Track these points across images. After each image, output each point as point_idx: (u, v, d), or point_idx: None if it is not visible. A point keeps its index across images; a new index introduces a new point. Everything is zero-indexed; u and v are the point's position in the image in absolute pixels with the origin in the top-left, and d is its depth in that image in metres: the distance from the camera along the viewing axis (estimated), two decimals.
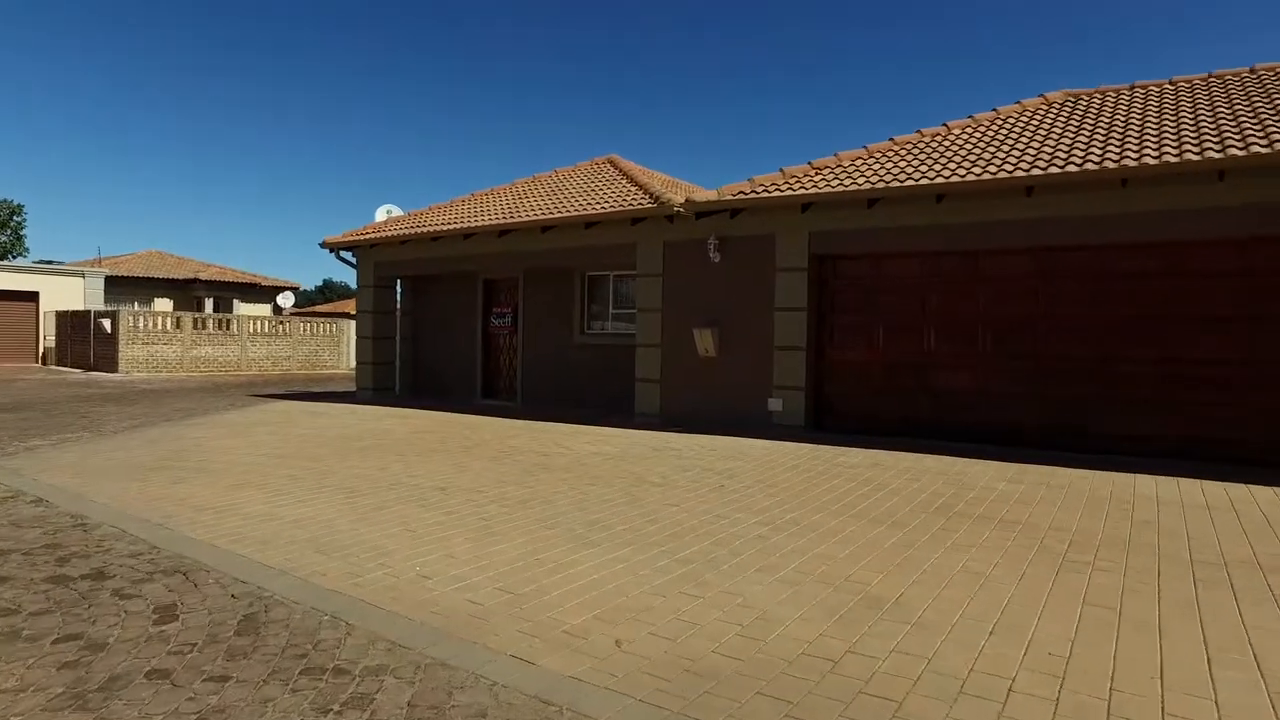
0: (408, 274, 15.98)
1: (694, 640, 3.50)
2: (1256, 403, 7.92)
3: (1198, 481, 7.06)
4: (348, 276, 55.96)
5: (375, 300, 16.05)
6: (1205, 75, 10.82)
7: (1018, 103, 11.65)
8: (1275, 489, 6.77)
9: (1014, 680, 3.09)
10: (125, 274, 31.51)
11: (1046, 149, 9.08)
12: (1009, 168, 8.77)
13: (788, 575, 4.40)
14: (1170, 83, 10.88)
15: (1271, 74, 10.28)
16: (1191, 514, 5.86)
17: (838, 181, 9.92)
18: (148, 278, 32.25)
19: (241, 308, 35.27)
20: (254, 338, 28.32)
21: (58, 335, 27.63)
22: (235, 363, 27.61)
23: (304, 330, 30.39)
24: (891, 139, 11.22)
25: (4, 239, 44.22)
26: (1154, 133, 8.77)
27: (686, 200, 10.66)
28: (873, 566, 4.57)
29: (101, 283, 28.89)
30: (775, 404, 10.44)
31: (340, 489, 6.62)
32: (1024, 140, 9.76)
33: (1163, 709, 2.87)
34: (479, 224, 13.32)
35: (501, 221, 13.00)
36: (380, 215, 17.54)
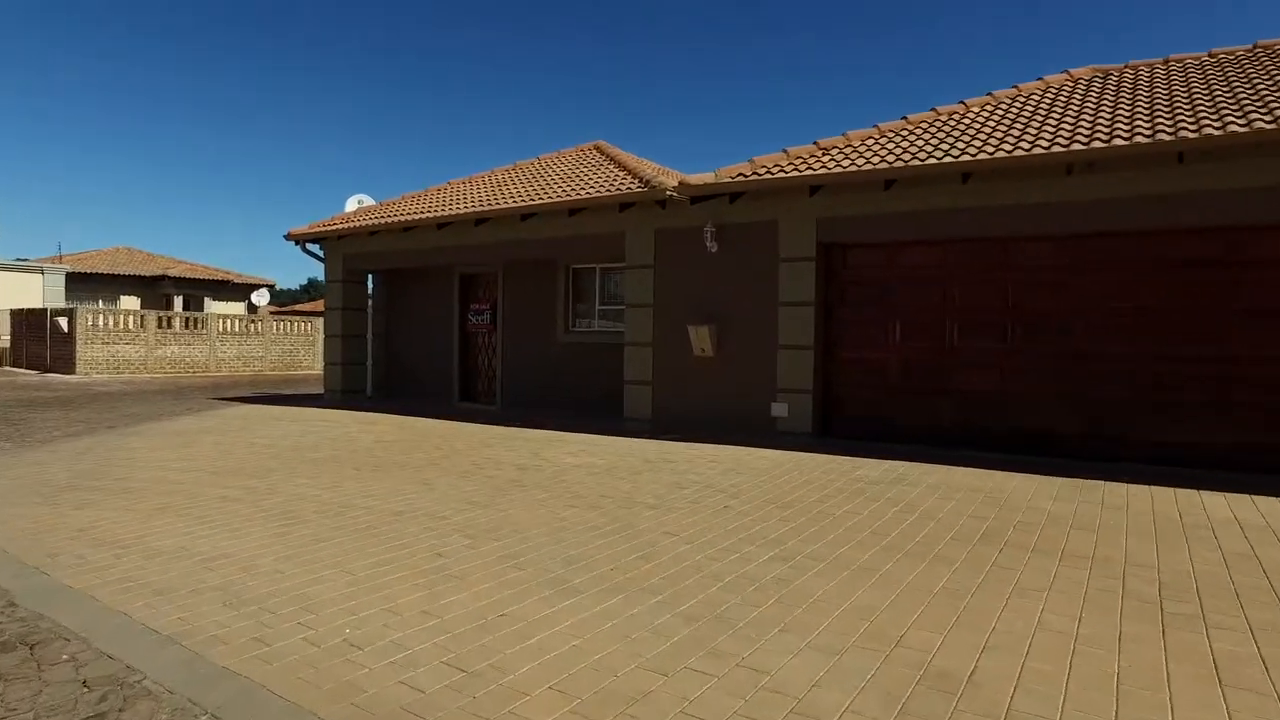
0: (379, 268, 14.96)
1: None
2: None
3: (1276, 500, 6.18)
4: None
5: (345, 296, 15.02)
6: (1249, 47, 9.96)
7: (1040, 79, 10.77)
8: None
9: None
10: (89, 270, 30.28)
11: (1083, 125, 8.19)
12: (1044, 143, 7.86)
13: (823, 638, 3.46)
14: (1210, 55, 10.01)
15: None
16: None
17: (849, 162, 9.00)
18: (113, 274, 31.02)
19: (213, 306, 34.09)
20: (224, 337, 27.19)
21: (12, 335, 26.41)
22: (203, 363, 26.47)
23: (277, 329, 29.26)
24: (905, 117, 10.32)
25: None
26: (1206, 105, 7.89)
27: (680, 183, 9.71)
28: (926, 623, 3.64)
29: (62, 280, 27.68)
30: (780, 408, 9.52)
31: (277, 515, 5.64)
32: (1055, 117, 8.86)
33: None
34: (454, 212, 12.33)
35: (478, 209, 12.02)
36: (351, 206, 16.51)
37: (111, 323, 23.81)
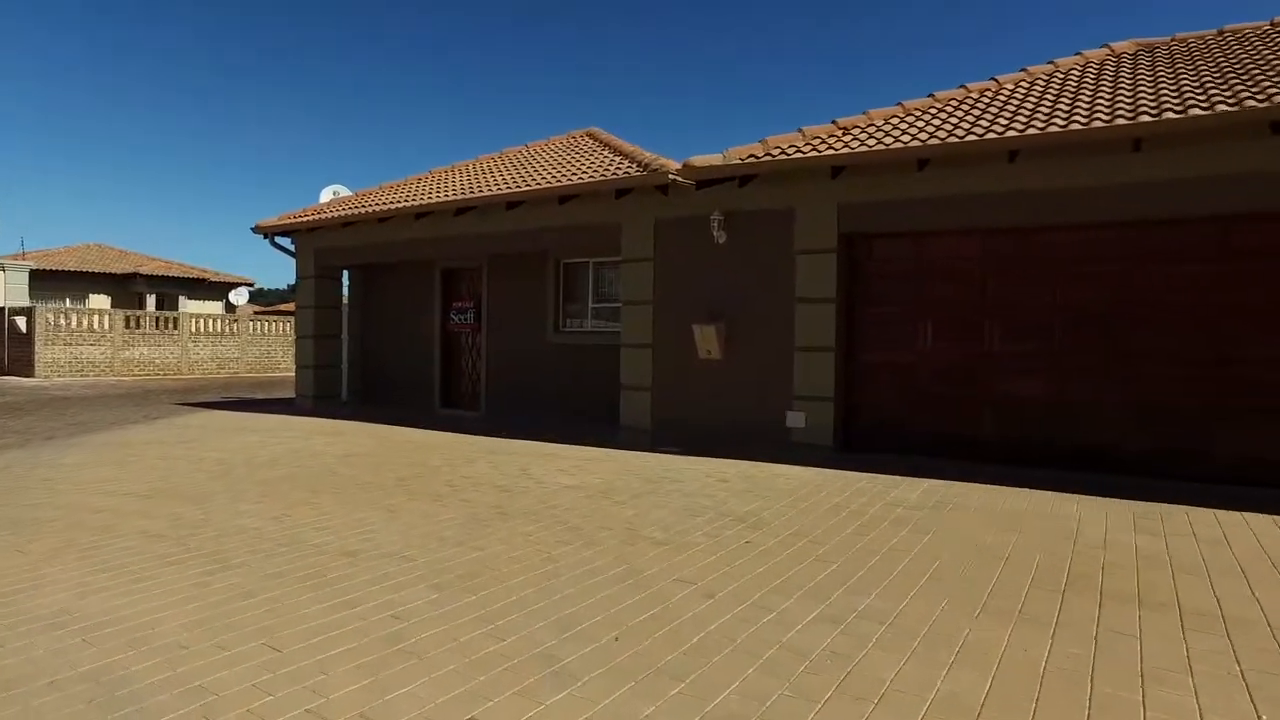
0: (354, 263, 13.95)
1: None
2: None
3: None
4: None
5: (317, 294, 14.00)
6: None
7: (1078, 54, 9.88)
8: None
9: None
10: (56, 268, 29.08)
11: (1144, 98, 7.27)
12: (1103, 117, 6.94)
13: None
14: (1272, 24, 9.12)
15: None
16: None
17: (875, 141, 8.06)
18: (81, 272, 29.81)
19: (189, 305, 32.90)
20: (197, 338, 26.08)
21: None
22: (175, 365, 25.36)
23: (254, 329, 28.17)
24: (932, 94, 9.41)
25: None
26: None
27: (684, 166, 8.75)
28: None
29: (25, 277, 26.49)
30: (796, 418, 8.57)
31: (204, 556, 4.65)
32: (1105, 91, 7.95)
33: None
34: (433, 201, 11.34)
35: (459, 197, 11.03)
36: (325, 197, 15.50)
37: (75, 322, 22.68)
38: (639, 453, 8.69)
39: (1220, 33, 9.38)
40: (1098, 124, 6.78)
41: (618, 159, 10.73)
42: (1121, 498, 6.23)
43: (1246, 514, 5.71)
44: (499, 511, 5.86)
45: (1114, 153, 6.95)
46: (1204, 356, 6.93)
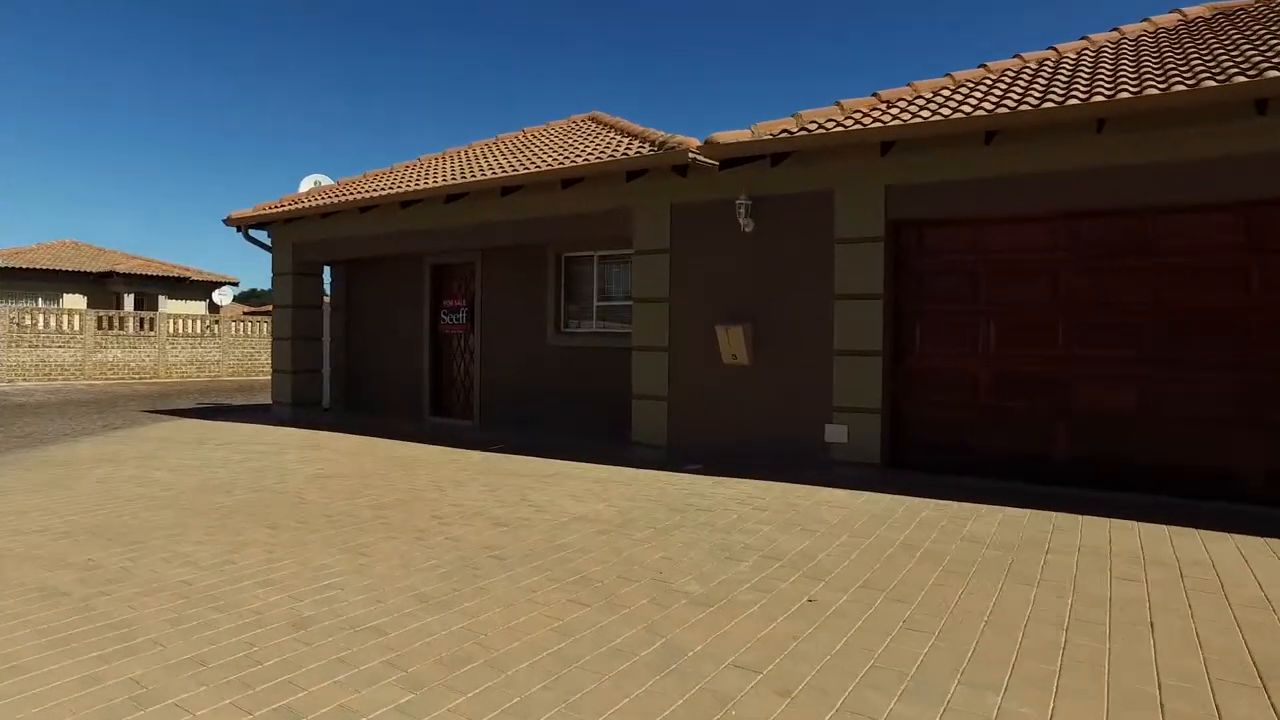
0: (336, 257, 12.88)
1: None
2: None
3: None
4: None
5: (296, 292, 12.94)
6: None
7: (1146, 20, 8.87)
8: None
9: None
10: (27, 266, 27.94)
11: (1251, 57, 6.25)
12: (1214, 77, 5.91)
13: None
14: None
15: None
16: None
17: (930, 113, 7.03)
18: (55, 270, 28.65)
19: (170, 305, 31.78)
20: (175, 339, 25.00)
21: None
22: (151, 368, 24.28)
23: (237, 330, 27.11)
24: (983, 64, 8.39)
25: None
26: None
27: (706, 143, 7.71)
28: None
29: None
30: (837, 432, 7.53)
31: (109, 627, 3.59)
32: (1194, 54, 6.93)
33: None
34: (421, 188, 10.28)
35: (449, 183, 9.98)
36: (306, 187, 14.42)
37: (42, 323, 21.57)
38: (655, 472, 7.64)
39: None
40: (1207, 85, 5.73)
41: (626, 140, 9.68)
42: (1257, 534, 5.20)
43: None
44: (495, 555, 4.80)
45: (1226, 119, 5.91)
46: None
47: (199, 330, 26.01)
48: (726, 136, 7.65)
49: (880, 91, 8.08)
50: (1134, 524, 5.47)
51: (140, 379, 23.83)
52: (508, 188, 9.56)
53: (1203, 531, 5.27)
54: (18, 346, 20.88)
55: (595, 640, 3.47)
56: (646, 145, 8.81)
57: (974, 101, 7.08)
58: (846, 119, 7.47)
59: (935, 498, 6.34)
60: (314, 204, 11.75)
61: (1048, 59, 8.36)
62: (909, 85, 8.17)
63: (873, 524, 5.56)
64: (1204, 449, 6.26)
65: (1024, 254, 7.02)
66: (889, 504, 6.16)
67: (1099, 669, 3.18)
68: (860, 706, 2.87)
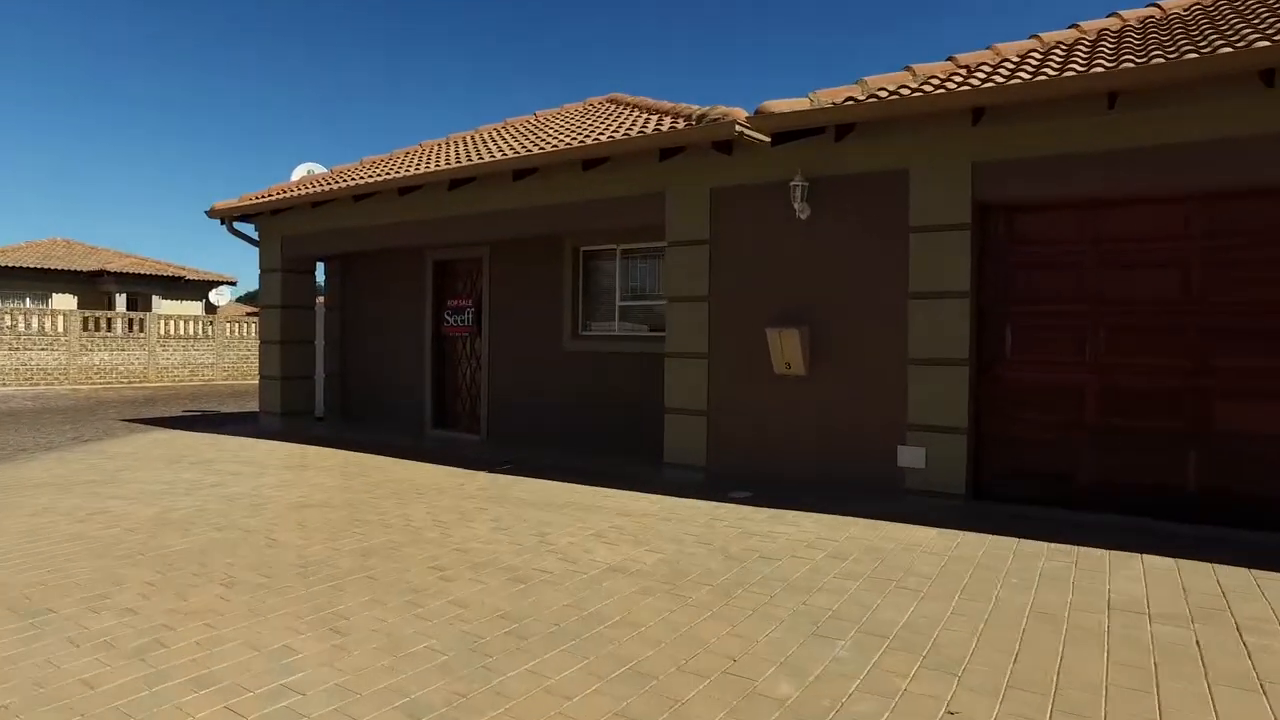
0: (329, 252, 11.81)
1: None
2: None
3: None
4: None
5: (284, 290, 11.86)
6: None
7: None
8: None
9: None
10: (13, 264, 26.98)
11: None
12: None
13: None
14: None
15: None
16: None
17: (1029, 75, 5.90)
18: (43, 269, 27.68)
19: (165, 305, 30.81)
20: (166, 341, 24.00)
21: None
22: (141, 372, 23.28)
23: (232, 332, 26.10)
24: (1075, 25, 7.28)
25: None
26: None
27: (757, 112, 6.59)
28: None
29: None
30: (912, 455, 6.40)
31: None
32: None
33: None
34: (420, 172, 9.19)
35: (452, 167, 8.89)
36: (298, 176, 13.36)
37: (22, 324, 20.57)
38: (696, 502, 6.53)
39: None
40: None
41: (655, 117, 8.58)
42: None
43: None
44: (510, 629, 3.70)
45: None
46: None
47: (192, 331, 25.01)
48: (781, 105, 6.53)
49: (956, 55, 6.97)
50: None
51: (128, 383, 22.83)
52: (520, 171, 8.46)
53: None
54: None
55: None
56: (680, 121, 7.71)
57: (1079, 59, 5.95)
58: (923, 85, 6.35)
59: (1045, 539, 5.21)
60: (303, 193, 10.68)
61: (1150, 16, 7.26)
62: (989, 49, 7.06)
63: (984, 579, 4.43)
64: None
65: (1147, 243, 5.88)
66: (993, 549, 5.03)
67: None
68: None
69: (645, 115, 9.05)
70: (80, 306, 28.47)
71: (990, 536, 5.33)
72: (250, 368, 26.00)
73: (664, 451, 7.70)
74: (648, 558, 4.92)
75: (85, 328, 22.07)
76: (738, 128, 6.67)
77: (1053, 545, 5.10)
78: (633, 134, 7.57)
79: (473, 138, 11.62)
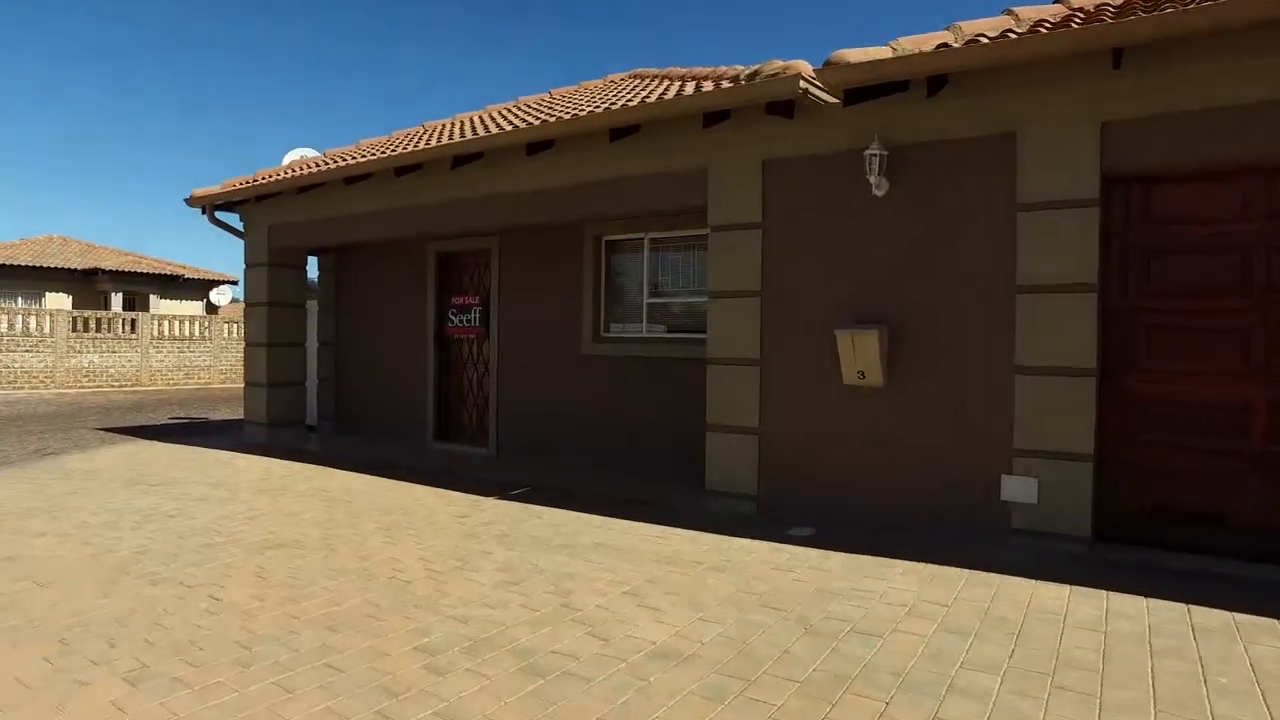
0: (320, 244, 10.69)
1: None
2: None
3: None
4: None
5: (272, 286, 10.76)
6: None
7: None
8: None
9: None
10: (6, 262, 26.07)
11: None
12: None
13: None
14: None
15: None
16: None
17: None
18: (36, 267, 26.75)
19: (163, 305, 29.89)
20: (160, 342, 23.03)
21: None
22: (133, 375, 22.30)
23: (230, 333, 25.10)
24: None
25: None
26: None
27: (826, 64, 5.40)
28: None
29: None
30: (1021, 488, 5.20)
31: None
32: None
33: None
34: (421, 149, 8.06)
35: (456, 141, 7.76)
36: (289, 162, 12.26)
37: (5, 325, 19.60)
38: (750, 543, 5.35)
39: None
40: None
41: (693, 83, 7.42)
42: None
43: None
44: None
45: None
46: None
47: (187, 332, 24.02)
48: (855, 54, 5.34)
49: None
50: None
51: (119, 387, 21.85)
52: (535, 145, 7.32)
53: None
54: None
55: None
56: (724, 83, 6.53)
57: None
58: (1035, 28, 5.15)
59: (1220, 604, 4.01)
60: (289, 176, 9.57)
61: None
62: None
63: (1176, 675, 3.24)
64: None
65: None
66: (1162, 622, 3.83)
67: None
68: None
69: (678, 82, 7.89)
70: (75, 306, 27.56)
71: (1145, 600, 4.13)
72: None
73: (705, 476, 6.52)
74: (704, 632, 3.75)
75: (75, 328, 21.10)
76: (802, 83, 5.49)
77: (1237, 616, 3.90)
78: (669, 98, 6.39)
79: (481, 117, 10.48)
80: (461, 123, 10.42)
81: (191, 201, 10.78)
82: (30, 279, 27.02)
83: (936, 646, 3.57)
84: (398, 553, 5.12)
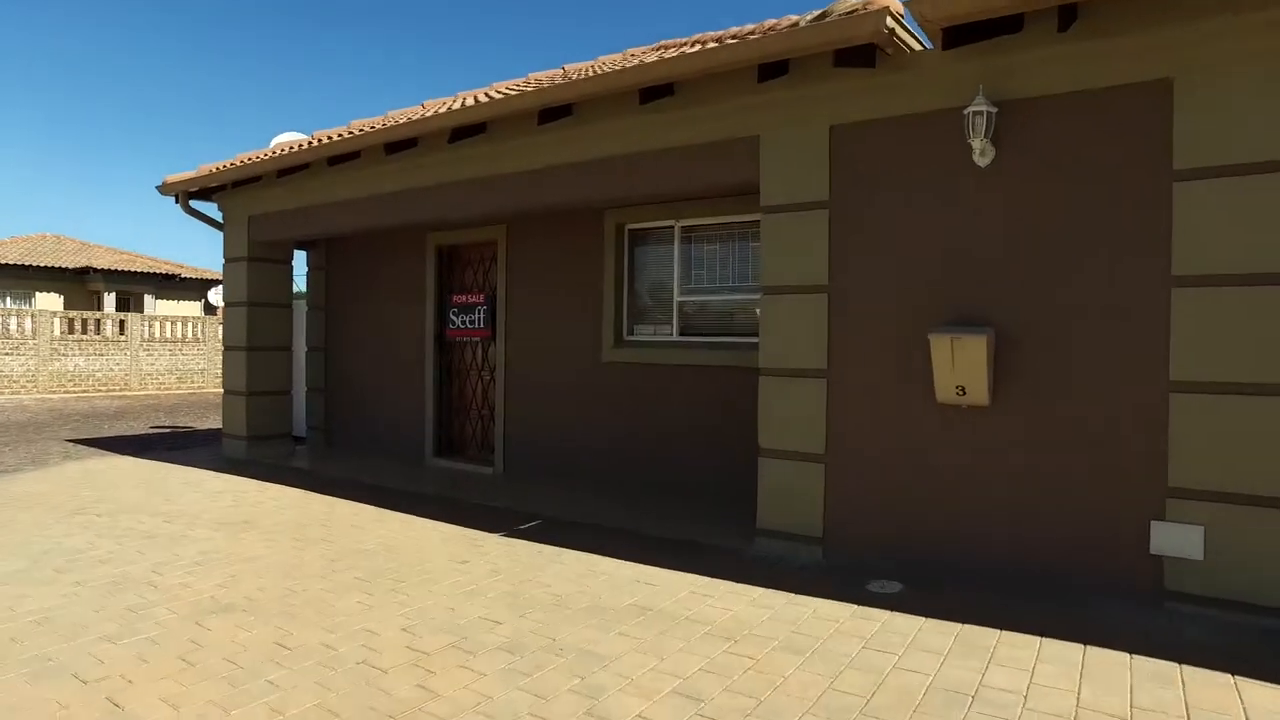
0: (306, 234, 9.58)
1: None
2: None
3: None
4: None
5: (252, 284, 9.67)
6: None
7: None
8: None
9: None
10: None
11: None
12: None
13: None
14: None
15: None
16: None
17: None
18: (26, 265, 25.81)
19: (159, 305, 28.94)
20: (150, 345, 22.01)
21: None
22: (121, 379, 21.29)
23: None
24: None
25: None
26: None
27: None
28: None
29: None
30: (1178, 538, 4.04)
31: None
32: None
33: None
34: (415, 120, 6.95)
35: (456, 110, 6.66)
36: (275, 145, 11.16)
37: None
38: (824, 603, 4.21)
39: None
40: None
41: (731, 41, 6.27)
42: None
43: None
44: None
45: None
46: None
47: (180, 334, 23.01)
48: None
49: None
50: None
51: (106, 391, 20.84)
52: (549, 110, 6.20)
53: None
54: None
55: None
56: (786, 24, 5.39)
57: None
58: None
59: None
60: (269, 158, 8.48)
61: None
62: None
63: None
64: None
65: None
66: None
67: None
68: None
69: (714, 44, 6.75)
70: (67, 306, 26.63)
71: None
72: None
73: (757, 511, 5.37)
74: None
75: (60, 330, 20.10)
76: (889, 21, 4.34)
77: None
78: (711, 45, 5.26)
79: (486, 92, 9.36)
80: (464, 99, 9.31)
81: (164, 189, 9.69)
82: (19, 278, 26.09)
83: None
84: (375, 621, 4.00)
